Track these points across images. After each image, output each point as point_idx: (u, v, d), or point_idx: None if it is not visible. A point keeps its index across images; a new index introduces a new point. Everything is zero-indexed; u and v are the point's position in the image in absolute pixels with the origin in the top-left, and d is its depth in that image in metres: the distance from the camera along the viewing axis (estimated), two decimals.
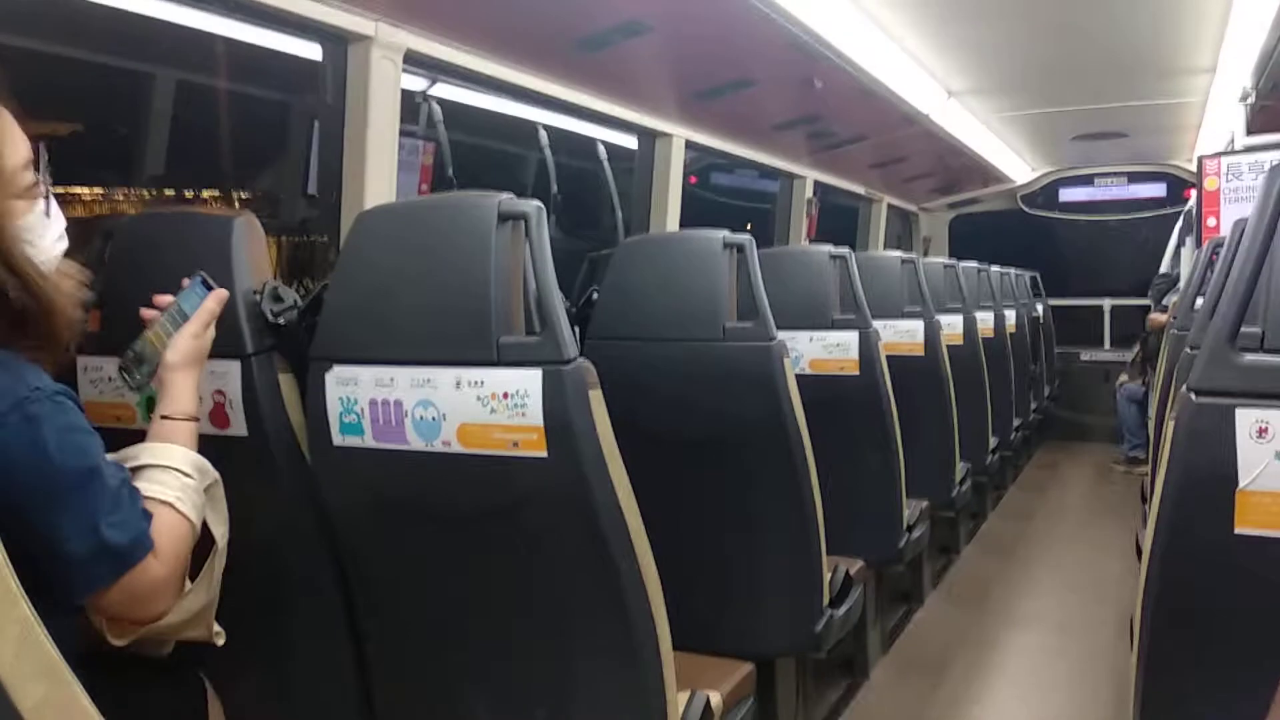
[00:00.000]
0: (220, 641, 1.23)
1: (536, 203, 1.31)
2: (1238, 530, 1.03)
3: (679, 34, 2.69)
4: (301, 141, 2.99)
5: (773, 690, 2.12)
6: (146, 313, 1.29)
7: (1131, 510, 4.70)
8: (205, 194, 3.86)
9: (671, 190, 3.70)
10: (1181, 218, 5.12)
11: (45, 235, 1.12)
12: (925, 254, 7.09)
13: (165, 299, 1.30)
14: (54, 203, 1.14)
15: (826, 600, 2.09)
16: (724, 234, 2.00)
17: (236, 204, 3.75)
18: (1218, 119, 4.53)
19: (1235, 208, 3.69)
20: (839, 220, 6.38)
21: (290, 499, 1.48)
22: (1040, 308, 6.17)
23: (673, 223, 3.71)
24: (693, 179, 4.60)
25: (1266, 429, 0.99)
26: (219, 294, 1.32)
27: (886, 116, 4.06)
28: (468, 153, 3.81)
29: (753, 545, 2.04)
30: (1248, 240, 1.06)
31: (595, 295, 2.13)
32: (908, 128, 4.32)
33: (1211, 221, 3.76)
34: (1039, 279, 6.50)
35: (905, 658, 3.03)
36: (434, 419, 1.34)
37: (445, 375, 1.32)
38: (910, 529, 2.77)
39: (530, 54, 2.64)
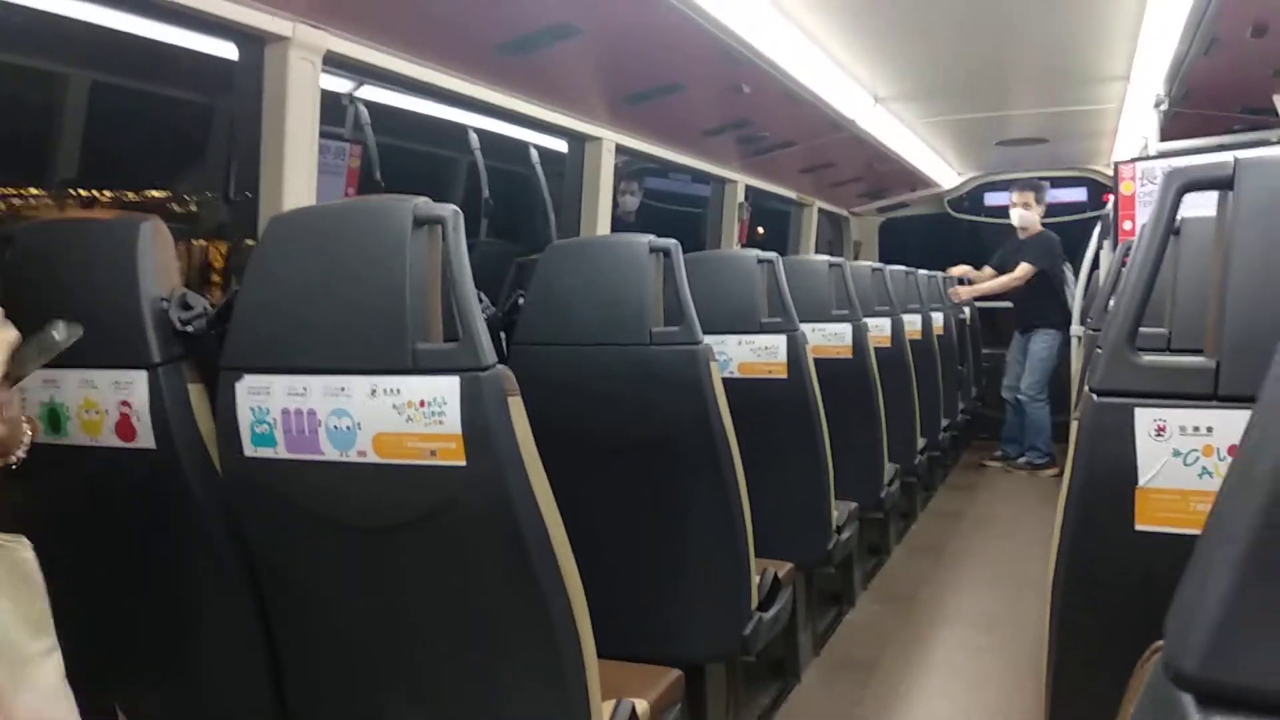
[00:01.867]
0: None
1: (453, 207, 1.29)
2: (1138, 527, 1.05)
3: (607, 37, 2.69)
4: (223, 144, 2.92)
5: (702, 696, 2.12)
6: None
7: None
8: (131, 196, 3.75)
9: (602, 194, 3.69)
10: (1099, 222, 5.26)
11: None
12: (856, 257, 7.19)
13: None
14: None
15: (755, 603, 2.10)
16: (650, 238, 2.00)
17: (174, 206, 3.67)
18: (1133, 125, 4.66)
19: (1149, 210, 3.80)
20: (771, 223, 6.46)
21: (201, 512, 1.44)
22: (967, 310, 6.28)
23: (603, 227, 3.71)
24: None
25: (1164, 427, 1.02)
26: None
27: (815, 122, 4.10)
28: (396, 156, 3.76)
29: (680, 550, 2.03)
30: (1144, 243, 1.09)
31: (521, 300, 2.12)
32: (836, 133, 4.37)
33: (1128, 225, 3.86)
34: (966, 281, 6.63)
35: (836, 658, 3.05)
36: (349, 428, 1.31)
37: (360, 384, 1.30)
38: (839, 530, 2.80)
39: (457, 56, 2.61)
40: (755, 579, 2.12)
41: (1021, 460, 5.83)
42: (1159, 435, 1.02)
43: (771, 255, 2.67)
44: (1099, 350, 1.77)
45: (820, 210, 6.26)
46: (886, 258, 7.32)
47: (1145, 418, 1.02)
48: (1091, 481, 1.07)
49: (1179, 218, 2.27)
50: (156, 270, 1.45)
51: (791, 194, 5.77)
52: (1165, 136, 3.87)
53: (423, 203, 1.31)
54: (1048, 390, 5.66)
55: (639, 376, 1.96)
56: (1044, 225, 5.81)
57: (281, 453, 1.35)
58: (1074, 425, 1.14)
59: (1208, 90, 3.61)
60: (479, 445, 1.25)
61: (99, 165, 3.46)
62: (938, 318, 5.05)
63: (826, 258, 3.41)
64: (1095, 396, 1.08)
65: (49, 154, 3.31)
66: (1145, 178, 3.82)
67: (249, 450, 1.37)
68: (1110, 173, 6.18)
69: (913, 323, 4.48)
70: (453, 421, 1.26)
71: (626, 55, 2.92)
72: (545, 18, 2.50)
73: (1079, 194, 6.64)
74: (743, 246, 5.06)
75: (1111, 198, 5.08)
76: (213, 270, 2.85)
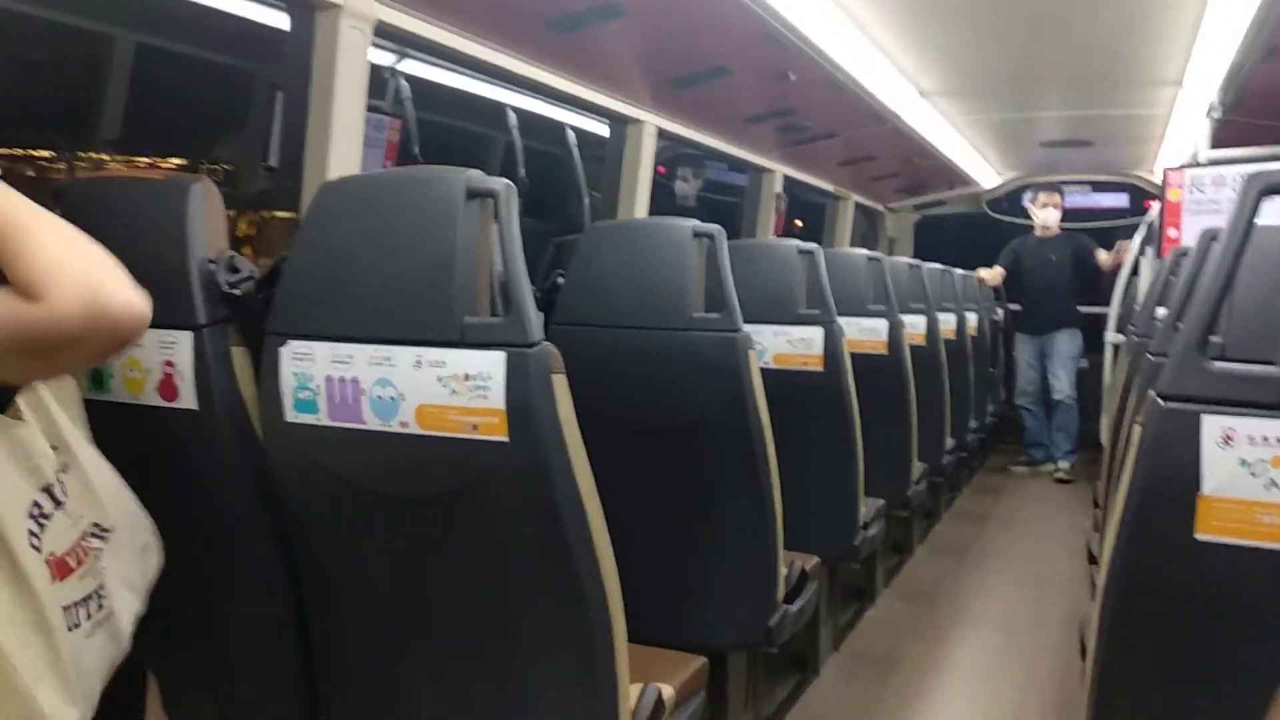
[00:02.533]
0: None
1: (505, 181, 1.28)
2: (1198, 535, 1.03)
3: (654, 19, 2.66)
4: (263, 113, 2.93)
5: (724, 685, 2.11)
6: None
7: (1084, 514, 4.77)
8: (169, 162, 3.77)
9: (641, 177, 3.66)
10: (1144, 228, 5.19)
11: None
12: (891, 254, 7.13)
13: None
14: None
15: (781, 595, 2.09)
16: (694, 223, 1.98)
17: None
18: (1181, 132, 4.59)
19: (1197, 219, 3.74)
20: (807, 215, 6.41)
21: (239, 476, 1.44)
22: (1001, 311, 6.22)
23: (641, 210, 3.69)
24: (660, 169, 4.58)
25: (1232, 436, 0.99)
26: None
27: (857, 113, 4.06)
28: (434, 131, 3.76)
29: (710, 537, 2.02)
30: (1221, 249, 1.06)
31: (561, 280, 2.10)
32: (878, 125, 4.33)
33: (1173, 233, 3.80)
34: (998, 290, 6.55)
35: (855, 654, 3.04)
36: (392, 399, 1.30)
37: (405, 354, 1.29)
38: (866, 526, 2.78)
39: (504, 32, 2.59)
40: (783, 571, 2.11)
41: (1063, 463, 5.74)
42: (1226, 444, 0.99)
43: (812, 246, 2.64)
44: (1151, 356, 1.75)
45: (857, 205, 6.21)
46: (922, 255, 7.24)
47: (1213, 425, 1.00)
48: (1152, 487, 1.05)
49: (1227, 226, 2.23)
50: (205, 232, 1.44)
51: (829, 186, 5.72)
52: (1215, 144, 3.80)
53: (476, 175, 1.30)
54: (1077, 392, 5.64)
55: (677, 361, 1.95)
56: (1087, 230, 5.79)
57: (323, 419, 1.35)
58: (1134, 430, 1.11)
59: (1262, 98, 3.54)
60: (522, 422, 1.24)
61: (141, 129, 3.47)
62: (972, 318, 5.00)
63: (865, 251, 3.38)
64: (1161, 402, 1.06)
65: (94, 116, 3.32)
66: (1194, 186, 3.76)
67: (290, 416, 1.37)
68: (1155, 179, 6.14)
69: (947, 322, 4.44)
70: (497, 397, 1.25)
71: (673, 37, 2.90)
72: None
73: (1120, 199, 6.55)
74: (778, 237, 5.04)
75: (1156, 204, 5.02)
76: (242, 241, 2.86)
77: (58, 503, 1.05)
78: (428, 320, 1.28)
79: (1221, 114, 3.74)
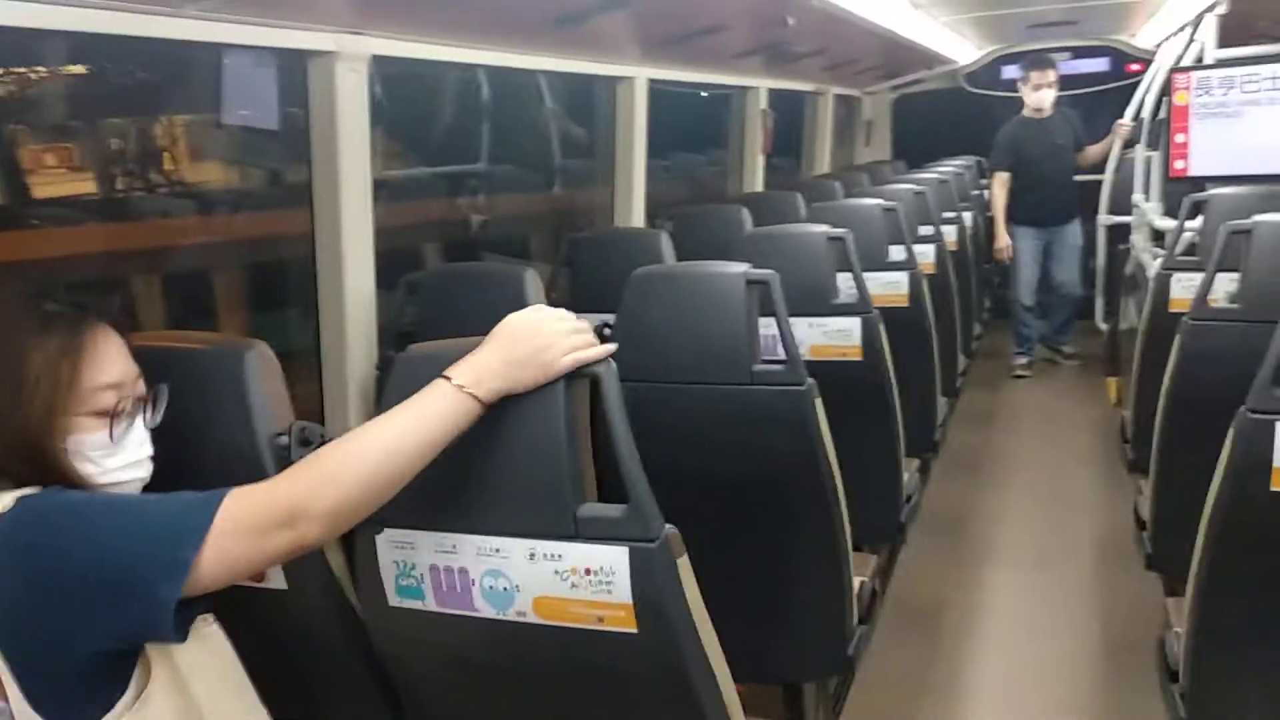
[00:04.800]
0: None
1: (610, 364, 1.19)
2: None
3: (660, 4, 2.49)
4: None
5: (801, 712, 2.15)
6: None
7: (1093, 402, 4.83)
8: None
9: (637, 130, 3.51)
10: (1136, 103, 5.03)
11: (110, 459, 1.12)
12: (867, 140, 6.98)
13: None
14: (137, 434, 1.15)
15: (856, 620, 2.10)
16: (746, 269, 1.89)
17: None
18: (1176, 7, 4.42)
19: (1206, 124, 3.65)
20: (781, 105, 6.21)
21: (340, 653, 1.39)
22: (985, 194, 6.13)
23: (640, 164, 3.55)
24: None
25: None
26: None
27: (849, 32, 3.88)
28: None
29: (784, 581, 2.02)
30: None
31: (608, 330, 2.01)
32: (869, 39, 4.15)
33: (1180, 138, 3.72)
34: (981, 163, 6.44)
35: (899, 605, 3.09)
36: (505, 589, 1.24)
37: (517, 546, 1.22)
38: (909, 499, 2.79)
39: (505, 36, 2.41)
40: (855, 592, 2.11)
41: (1067, 350, 5.67)
42: None
43: (842, 232, 2.55)
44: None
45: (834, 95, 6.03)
46: (899, 136, 7.11)
47: None
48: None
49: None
50: (268, 402, 1.35)
51: (809, 87, 5.53)
52: (1222, 44, 3.67)
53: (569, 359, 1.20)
54: None
55: (740, 418, 1.89)
56: (1060, 97, 5.47)
57: (431, 605, 1.29)
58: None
59: None
60: (651, 614, 1.19)
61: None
62: (968, 217, 4.90)
63: (880, 202, 3.26)
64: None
65: None
66: (1200, 88, 3.65)
67: (394, 601, 1.31)
68: (1137, 43, 5.96)
69: (949, 233, 4.34)
70: (622, 591, 1.19)
71: (672, 10, 2.71)
72: None
73: (1101, 64, 6.37)
74: (766, 155, 4.89)
75: (1150, 80, 4.88)
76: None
77: None
78: (539, 511, 1.21)
79: (1228, 7, 3.60)
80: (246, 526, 1.01)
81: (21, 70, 3.00)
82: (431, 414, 1.10)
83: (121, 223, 3.01)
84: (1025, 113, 5.43)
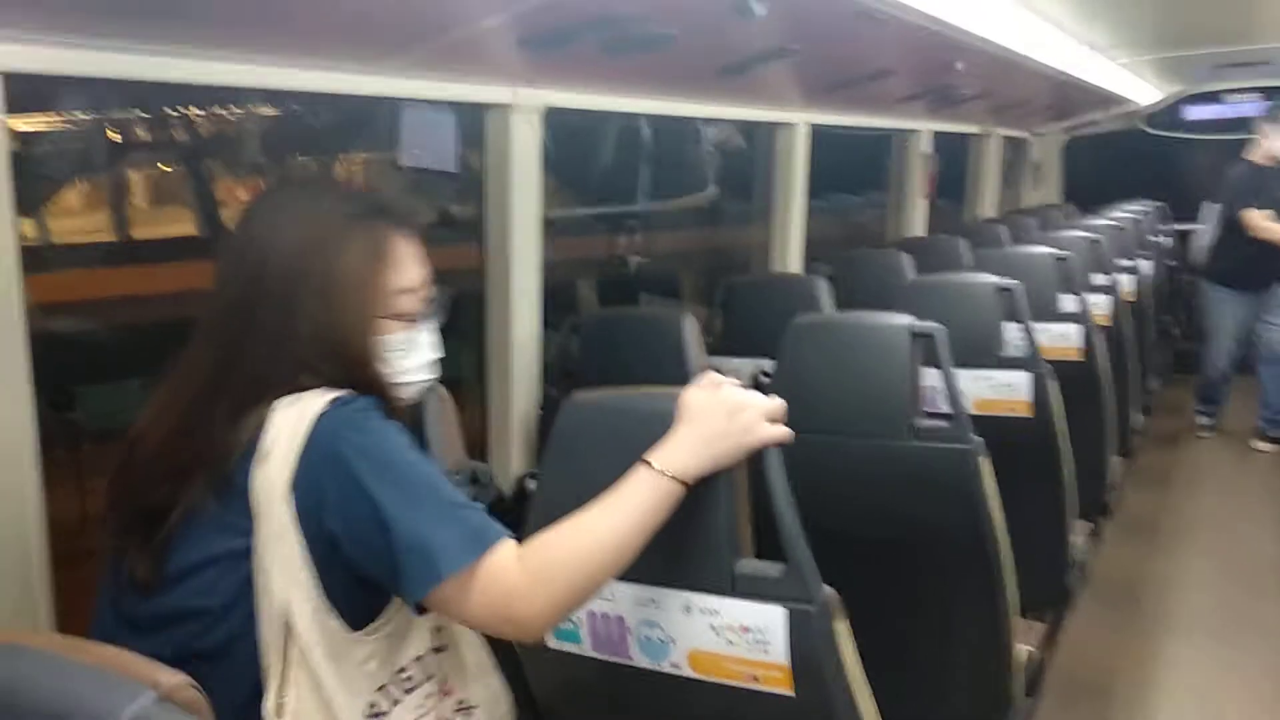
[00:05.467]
0: None
1: (776, 434, 1.19)
2: None
3: (821, 50, 2.48)
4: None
5: None
6: None
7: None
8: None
9: (797, 173, 3.50)
10: None
11: (406, 359, 1.18)
12: (1035, 183, 6.73)
13: None
14: (429, 336, 1.21)
15: (1022, 692, 2.00)
16: (910, 321, 1.85)
17: None
18: None
19: None
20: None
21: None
22: (1164, 241, 5.80)
23: (799, 206, 3.53)
24: None
25: None
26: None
27: (1018, 75, 3.77)
28: None
29: (942, 646, 1.94)
30: None
31: (765, 379, 2.01)
32: (1040, 82, 4.02)
33: None
34: (1166, 208, 6.10)
35: (1064, 680, 2.92)
36: (661, 641, 1.25)
37: (673, 598, 1.23)
38: (1075, 564, 2.64)
39: (670, 85, 2.46)
40: (1021, 662, 2.01)
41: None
42: None
43: (1012, 284, 2.47)
44: None
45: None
46: (1070, 178, 6.82)
47: None
48: None
49: None
50: (444, 444, 1.40)
51: (974, 129, 5.39)
52: None
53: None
54: None
55: (901, 476, 1.84)
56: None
57: (587, 650, 1.31)
58: None
59: None
60: (808, 677, 1.17)
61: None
62: (1148, 268, 4.64)
63: (1052, 251, 3.14)
64: None
65: None
66: None
67: (552, 643, 1.33)
68: None
69: (1126, 283, 4.12)
70: (778, 652, 1.18)
71: (836, 57, 2.70)
72: (763, 43, 2.31)
73: None
74: (929, 200, 4.79)
75: None
76: None
77: (407, 690, 1.12)
78: (697, 565, 1.21)
79: None
80: (490, 597, 1.03)
81: (221, 112, 3.26)
82: (647, 508, 1.10)
83: None
84: (1257, 159, 4.73)
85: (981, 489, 1.80)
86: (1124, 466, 3.43)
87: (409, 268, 1.17)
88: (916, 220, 4.73)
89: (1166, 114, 6.30)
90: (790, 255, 3.54)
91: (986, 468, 1.83)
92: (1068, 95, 5.06)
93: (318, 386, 1.08)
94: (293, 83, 1.69)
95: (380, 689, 1.10)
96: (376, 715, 1.09)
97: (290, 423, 1.05)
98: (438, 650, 1.17)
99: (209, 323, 1.13)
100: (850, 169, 5.38)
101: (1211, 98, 6.16)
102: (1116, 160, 6.65)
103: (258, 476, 1.04)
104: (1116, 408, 3.23)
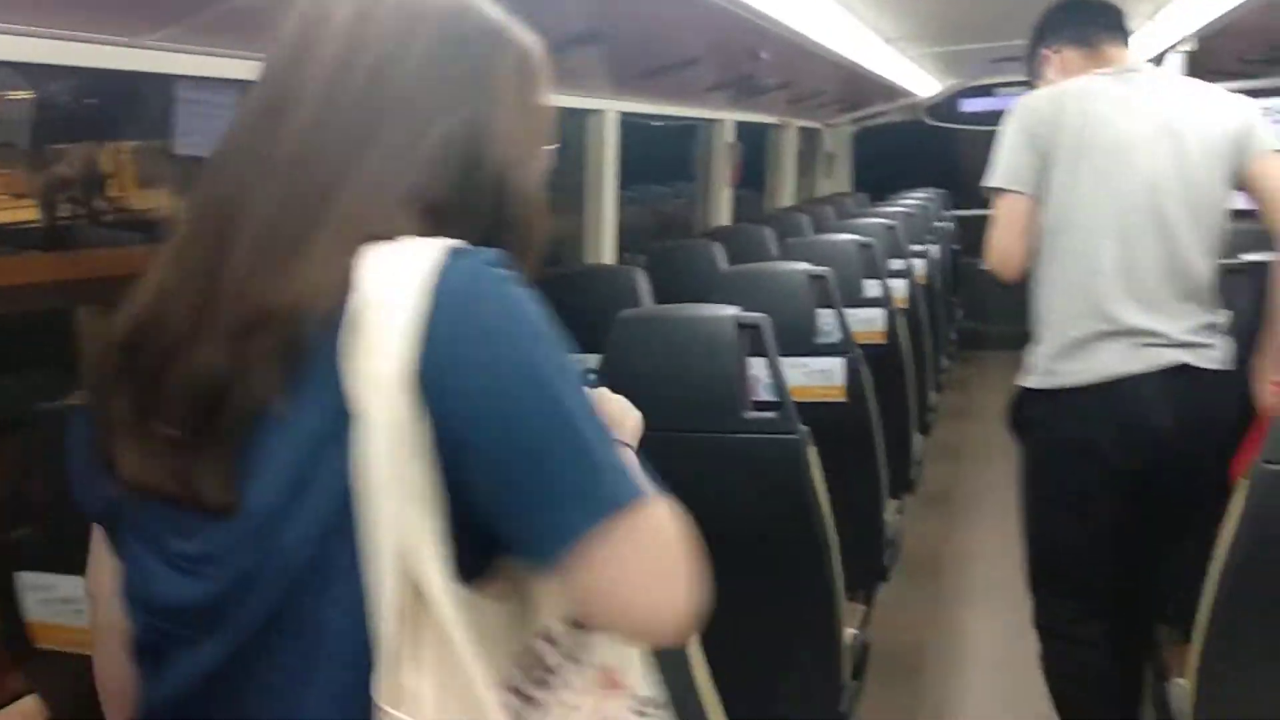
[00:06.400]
0: None
1: None
2: None
3: (632, 37, 2.43)
4: None
5: None
6: None
7: None
8: None
9: (607, 163, 3.44)
10: None
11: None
12: (829, 172, 7.00)
13: None
14: None
15: (849, 675, 2.03)
16: (736, 312, 1.83)
17: None
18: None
19: None
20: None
21: None
22: (949, 227, 6.15)
23: (610, 196, 3.47)
24: None
25: None
26: None
27: (817, 65, 3.86)
28: None
29: (776, 635, 1.94)
30: None
31: (592, 375, 1.93)
32: (835, 72, 4.14)
33: None
34: (948, 195, 6.47)
35: (880, 650, 3.01)
36: None
37: None
38: (891, 543, 2.73)
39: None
40: (847, 645, 2.04)
41: None
42: None
43: (825, 271, 2.50)
44: None
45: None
46: (859, 168, 7.14)
47: None
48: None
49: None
50: None
51: (774, 120, 5.52)
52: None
53: None
54: None
55: (731, 467, 1.82)
56: None
57: None
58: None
59: (1238, 29, 3.43)
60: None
61: None
62: (936, 251, 4.89)
63: (855, 238, 3.23)
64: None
65: None
66: None
67: None
68: None
69: (919, 267, 4.32)
70: None
71: (647, 43, 2.66)
72: (573, 26, 2.23)
73: None
74: (733, 188, 4.86)
75: None
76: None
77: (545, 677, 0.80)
78: None
79: (1196, 45, 3.63)
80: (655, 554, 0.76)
81: None
82: None
83: None
84: None
85: (810, 477, 1.80)
86: (924, 444, 3.58)
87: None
88: (723, 209, 4.79)
89: (945, 106, 6.66)
90: (604, 247, 3.48)
91: (814, 456, 1.83)
92: (859, 87, 5.26)
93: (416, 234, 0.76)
94: (50, 55, 1.47)
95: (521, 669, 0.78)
96: (525, 701, 0.77)
97: (394, 279, 0.73)
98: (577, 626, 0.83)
99: (255, 150, 0.79)
100: (657, 159, 5.41)
101: (984, 91, 6.56)
102: (901, 151, 7.01)
103: (354, 355, 0.72)
104: (915, 387, 3.36)
